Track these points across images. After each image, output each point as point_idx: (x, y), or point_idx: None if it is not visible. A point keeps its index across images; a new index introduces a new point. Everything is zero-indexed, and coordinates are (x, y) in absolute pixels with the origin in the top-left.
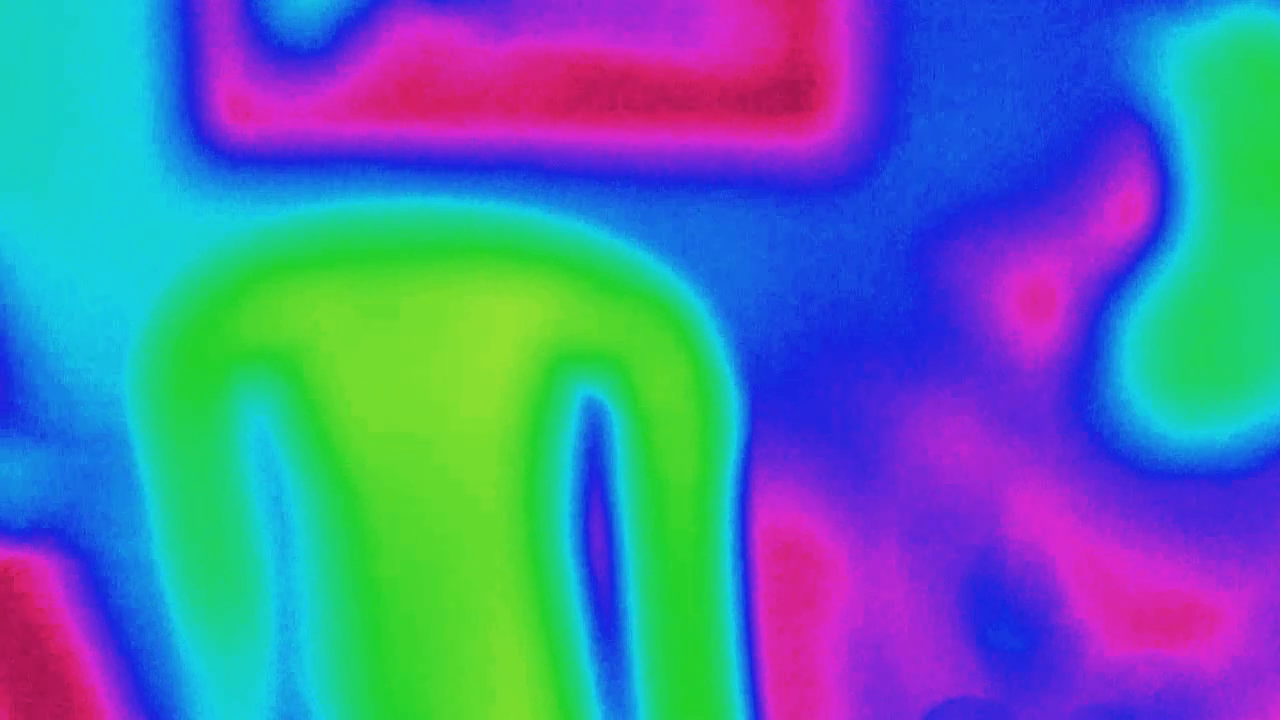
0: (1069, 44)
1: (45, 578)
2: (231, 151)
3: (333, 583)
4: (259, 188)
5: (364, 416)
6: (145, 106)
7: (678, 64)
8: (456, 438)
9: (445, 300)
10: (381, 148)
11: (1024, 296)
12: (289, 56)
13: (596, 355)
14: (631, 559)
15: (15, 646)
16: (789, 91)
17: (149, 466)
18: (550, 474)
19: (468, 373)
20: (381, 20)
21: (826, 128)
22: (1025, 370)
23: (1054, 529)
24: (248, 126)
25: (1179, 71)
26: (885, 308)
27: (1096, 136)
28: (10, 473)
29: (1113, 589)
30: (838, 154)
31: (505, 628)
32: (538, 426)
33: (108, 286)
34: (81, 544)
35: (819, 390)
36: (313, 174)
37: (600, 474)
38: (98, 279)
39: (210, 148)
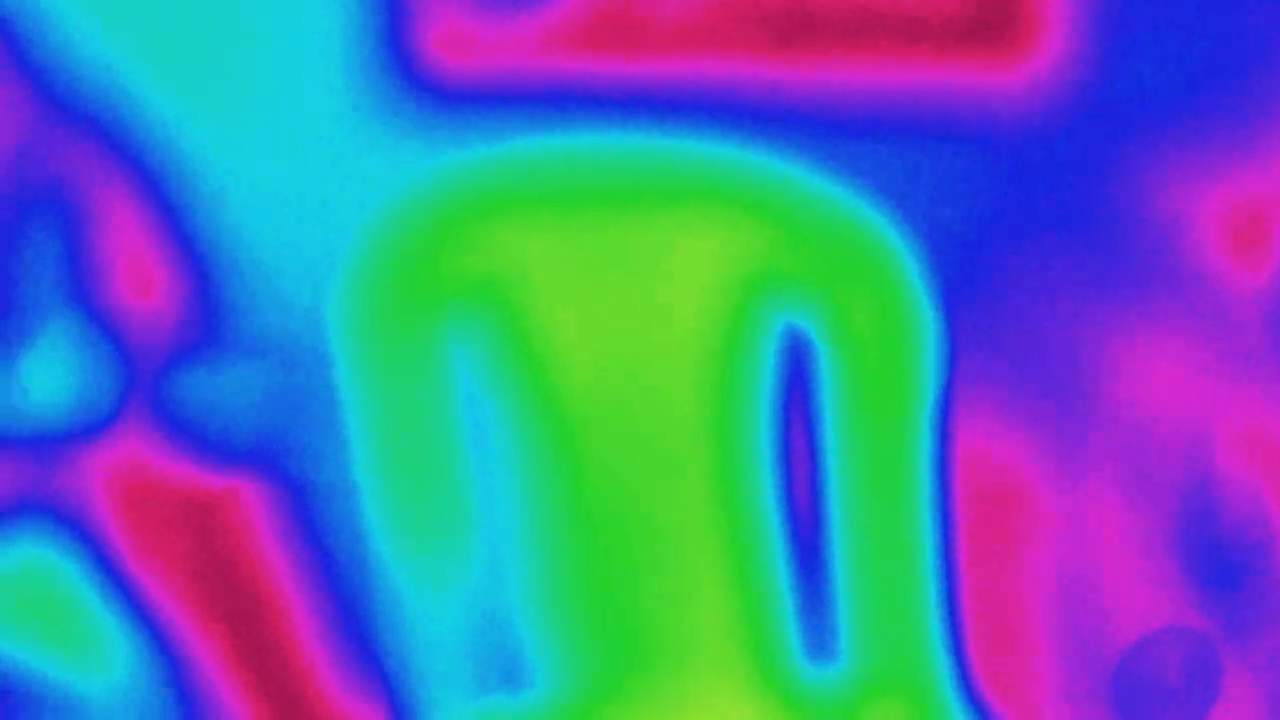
0: None
1: (251, 505)
2: (443, 88)
3: (539, 508)
4: (470, 124)
5: (570, 347)
6: (349, 39)
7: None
8: (660, 368)
9: (650, 234)
10: (587, 82)
11: (1233, 227)
12: None
13: (798, 288)
14: (832, 487)
15: (223, 576)
16: (992, 25)
17: (354, 392)
18: (751, 401)
19: (672, 304)
20: None
21: (1031, 63)
22: (1235, 301)
23: (1268, 461)
24: (460, 61)
25: None
26: (1089, 242)
27: None
28: (220, 396)
29: None
30: (1042, 89)
31: (707, 555)
32: (740, 356)
33: (317, 213)
34: (286, 471)
35: (1021, 325)
36: (522, 110)
37: (799, 405)
38: (307, 205)
39: (421, 84)
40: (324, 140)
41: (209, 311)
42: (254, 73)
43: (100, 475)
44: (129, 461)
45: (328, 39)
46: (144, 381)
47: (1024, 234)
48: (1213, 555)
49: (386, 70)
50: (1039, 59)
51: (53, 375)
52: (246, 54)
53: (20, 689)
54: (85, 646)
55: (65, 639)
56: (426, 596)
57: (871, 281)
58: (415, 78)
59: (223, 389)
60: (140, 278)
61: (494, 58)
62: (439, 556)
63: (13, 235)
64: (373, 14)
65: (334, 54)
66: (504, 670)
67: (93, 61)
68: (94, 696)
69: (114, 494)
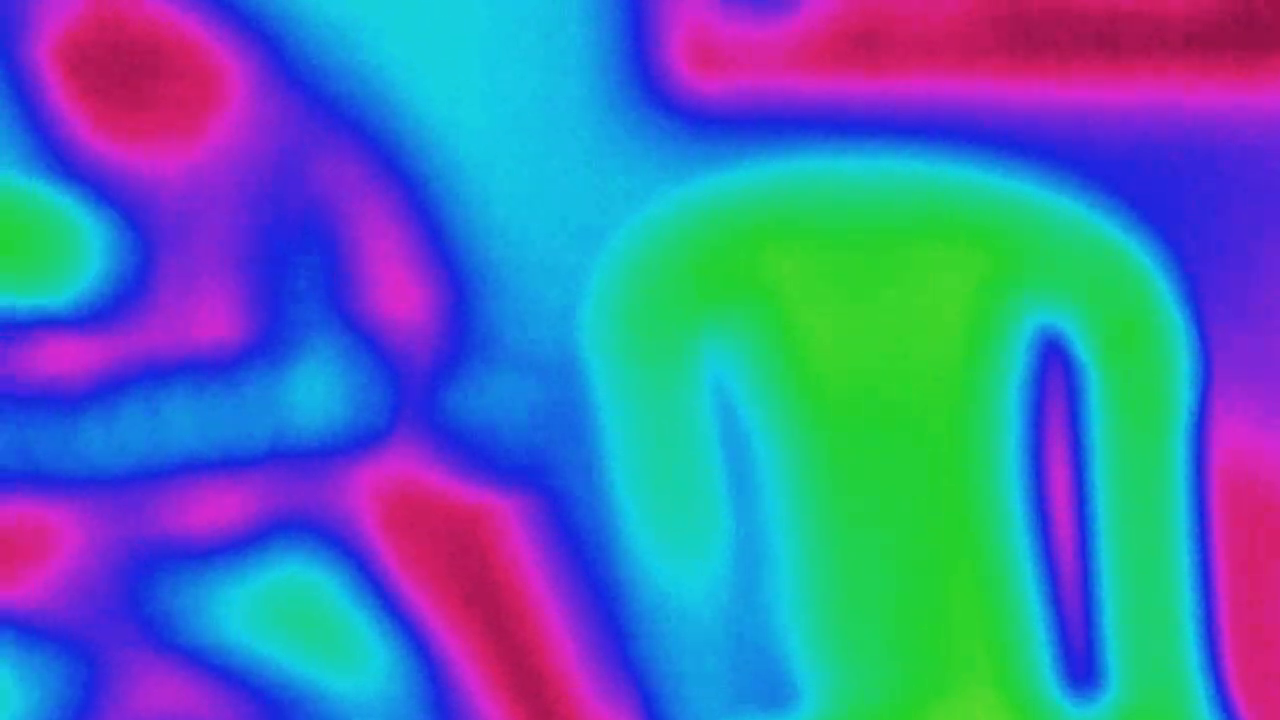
0: None
1: (513, 519)
2: (689, 105)
3: (797, 521)
4: (718, 140)
5: (824, 359)
6: (599, 57)
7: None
8: (916, 381)
9: (903, 247)
10: (835, 97)
11: None
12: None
13: (1052, 299)
14: (1090, 499)
15: (484, 587)
16: (1247, 32)
17: (610, 406)
18: (1006, 415)
19: (927, 316)
20: None
21: None
22: None
23: None
24: (707, 79)
25: None
26: None
27: None
28: (487, 411)
29: None
30: None
31: (965, 569)
32: (995, 367)
33: (570, 228)
34: (547, 485)
35: (1277, 333)
36: (769, 125)
37: (1055, 417)
38: (561, 220)
39: (668, 101)
40: (576, 156)
41: (467, 326)
42: (507, 91)
43: (369, 489)
44: (399, 476)
45: (579, 57)
46: (412, 396)
47: (1274, 238)
48: None
49: (634, 87)
50: None
51: (321, 390)
52: (501, 74)
53: (282, 696)
54: (346, 656)
55: (326, 649)
56: (685, 610)
57: (1126, 292)
58: (662, 94)
59: (489, 404)
60: (401, 291)
61: (740, 74)
62: (697, 569)
63: (279, 249)
64: (620, 32)
65: (585, 71)
66: (762, 686)
67: (357, 75)
68: (353, 703)
69: (382, 507)
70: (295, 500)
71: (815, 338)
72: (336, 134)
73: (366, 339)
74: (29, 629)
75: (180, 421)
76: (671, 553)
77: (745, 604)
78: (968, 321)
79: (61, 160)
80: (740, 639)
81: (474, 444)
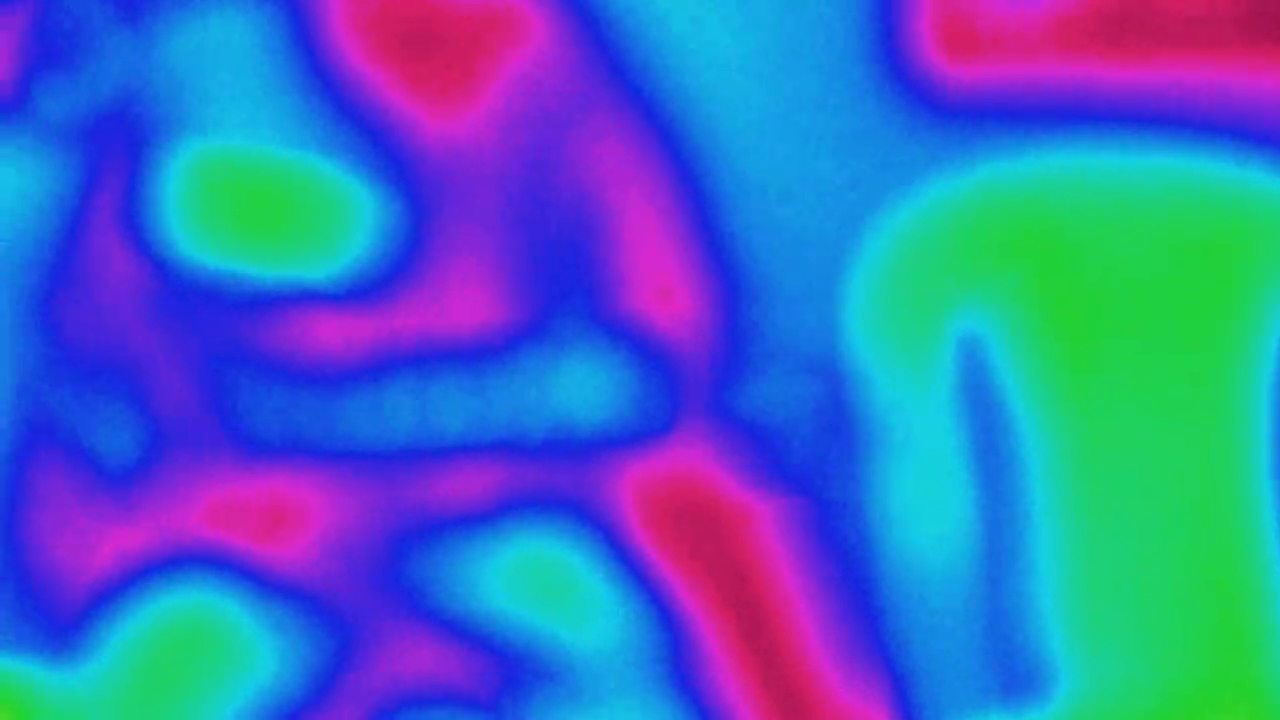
0: None
1: (766, 519)
2: (946, 95)
3: (1057, 514)
4: (976, 130)
5: (1085, 346)
6: (844, 40)
7: None
8: (1181, 373)
9: (1166, 237)
10: (1097, 84)
11: None
12: None
13: None
14: None
15: (740, 574)
16: None
17: (875, 405)
18: (1266, 402)
19: (1190, 307)
20: None
21: None
22: None
23: None
24: (964, 63)
25: None
26: None
27: None
28: (761, 411)
29: None
30: None
31: (1223, 549)
32: (1251, 355)
33: (827, 222)
34: (802, 485)
35: None
36: (1029, 114)
37: None
38: (818, 214)
39: (922, 90)
40: (834, 149)
41: (737, 324)
42: (762, 83)
43: (636, 480)
44: (670, 470)
45: (834, 47)
46: (690, 394)
47: None
48: None
49: (888, 75)
50: None
51: (591, 383)
52: (756, 67)
53: (527, 661)
54: (592, 624)
55: (574, 618)
56: (943, 605)
57: None
58: (916, 82)
59: (763, 404)
60: (673, 287)
61: (995, 59)
62: (953, 558)
63: (549, 232)
64: (872, 20)
65: (839, 61)
66: (1018, 681)
67: (644, 59)
68: (596, 666)
69: (647, 498)
70: (556, 482)
71: (1075, 324)
72: (618, 113)
73: (638, 335)
74: (286, 595)
75: (446, 404)
76: (932, 549)
77: (1005, 598)
78: (1233, 313)
79: (344, 113)
80: (995, 627)
81: (750, 444)
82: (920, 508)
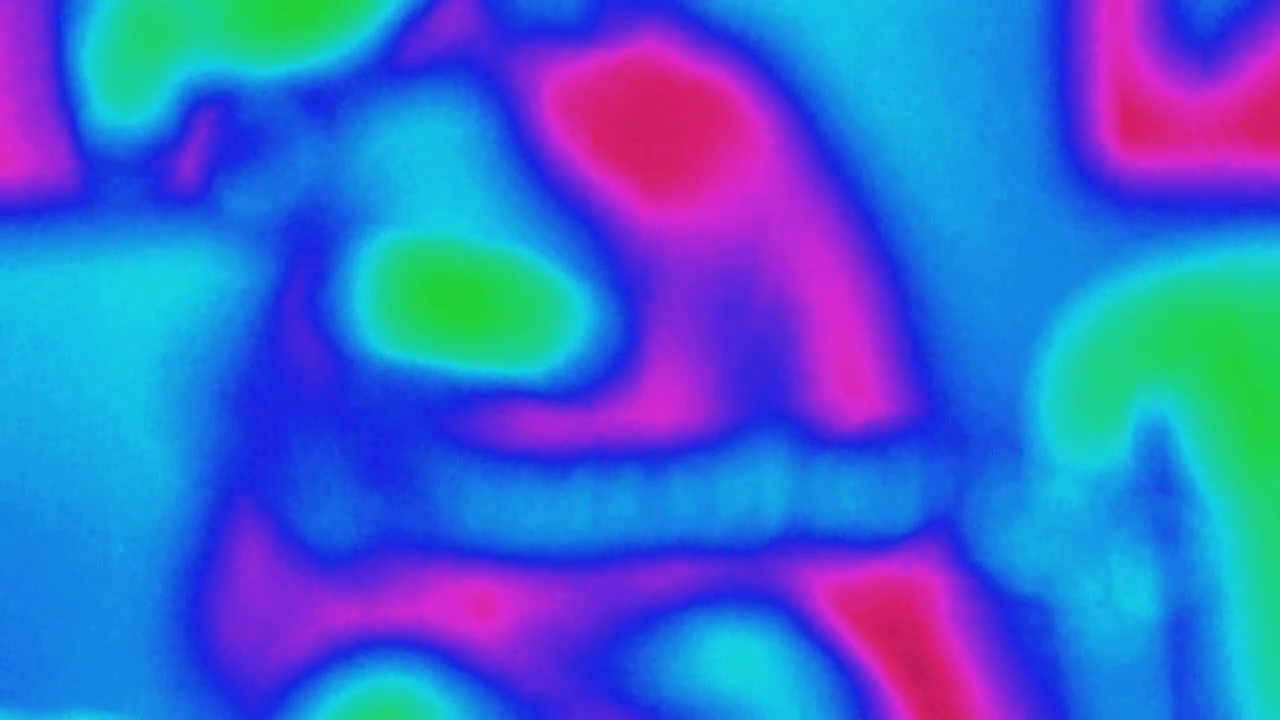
0: None
1: (930, 591)
2: (1122, 184)
3: (1245, 605)
4: (1153, 217)
5: (1261, 436)
6: (1023, 132)
7: None
8: None
9: None
10: (1266, 171)
11: None
12: (1190, 52)
13: None
14: None
15: (910, 671)
16: None
17: (1054, 491)
18: None
19: None
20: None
21: None
22: None
23: None
24: (1140, 154)
25: None
26: None
27: None
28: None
29: None
30: None
31: None
32: None
33: (1015, 310)
34: (966, 554)
35: None
36: (1210, 204)
37: None
38: (1000, 300)
39: (1100, 180)
40: (1016, 241)
41: (934, 417)
42: (943, 170)
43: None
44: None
45: (1013, 138)
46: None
47: None
48: None
49: (1067, 166)
50: None
51: (777, 485)
52: (938, 153)
53: None
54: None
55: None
56: (1131, 698)
57: None
58: (1094, 172)
59: (951, 494)
60: (856, 375)
61: (1174, 146)
62: (1143, 656)
63: (748, 333)
64: (1050, 109)
65: (1019, 153)
66: None
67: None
68: None
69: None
70: (750, 579)
71: (1260, 411)
72: (822, 209)
73: (830, 432)
74: (484, 681)
75: (648, 500)
76: (1116, 633)
77: (1191, 683)
78: None
79: (555, 205)
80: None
81: (940, 534)
82: (1103, 597)
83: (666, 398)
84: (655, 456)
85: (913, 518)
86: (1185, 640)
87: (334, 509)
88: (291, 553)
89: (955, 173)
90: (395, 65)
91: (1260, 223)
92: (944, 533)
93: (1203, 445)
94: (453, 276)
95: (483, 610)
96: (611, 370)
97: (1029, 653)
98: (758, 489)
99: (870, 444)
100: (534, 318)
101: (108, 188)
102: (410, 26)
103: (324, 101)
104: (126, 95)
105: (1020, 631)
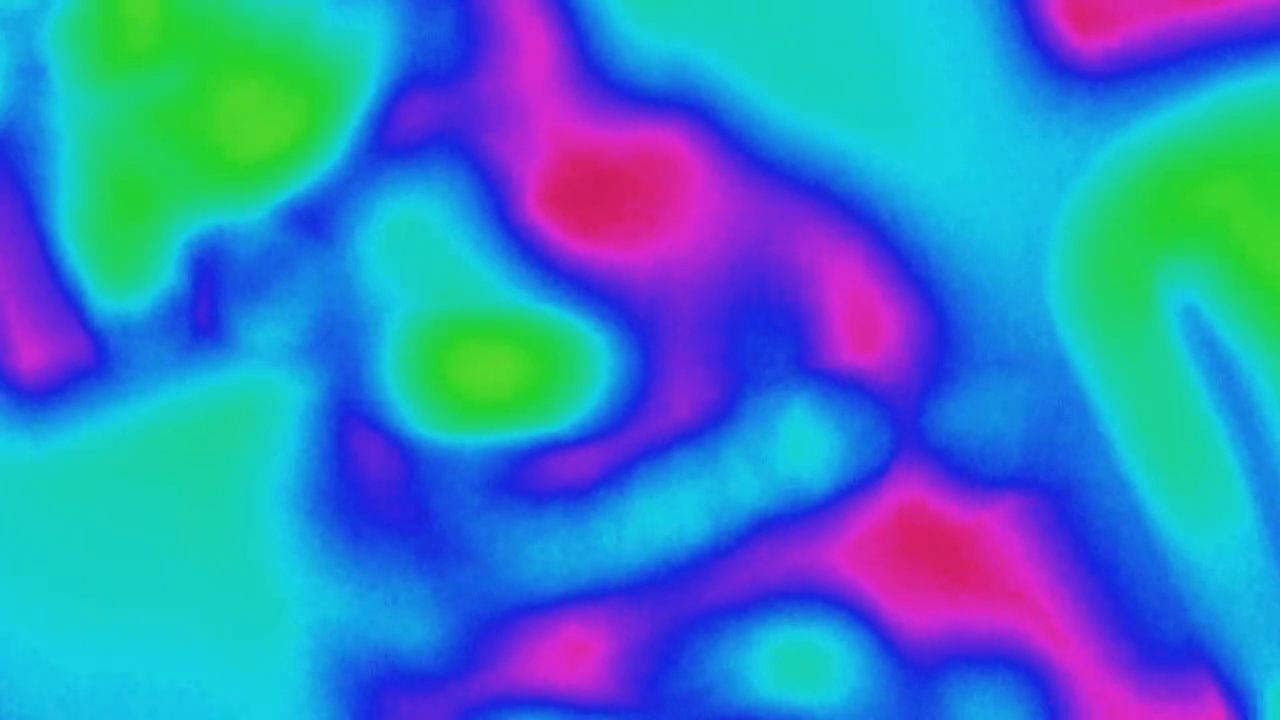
0: None
1: (1011, 526)
2: (1077, 68)
3: None
4: (1123, 97)
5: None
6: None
7: None
8: None
9: None
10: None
11: None
12: None
13: None
14: None
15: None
16: None
17: (1091, 382)
18: None
19: None
20: None
21: None
22: None
23: None
24: (1091, 36)
25: None
26: None
27: None
28: (977, 422)
29: None
30: None
31: None
32: None
33: (1007, 210)
34: (1047, 482)
35: None
36: (1170, 68)
37: None
38: (990, 208)
39: (1054, 64)
40: (994, 141)
41: (938, 340)
42: (909, 92)
43: (870, 529)
44: (900, 509)
45: (975, 39)
46: (905, 425)
47: None
48: None
49: (1024, 53)
50: None
51: (808, 444)
52: (898, 76)
53: None
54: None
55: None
56: (1215, 579)
57: None
58: (1051, 56)
59: (979, 412)
60: (873, 324)
61: (1123, 25)
62: (1221, 532)
63: (749, 318)
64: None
65: (981, 51)
66: None
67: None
68: None
69: (883, 543)
70: (799, 557)
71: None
72: (795, 197)
73: (845, 380)
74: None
75: (683, 505)
76: (1191, 520)
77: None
78: None
79: (553, 275)
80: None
81: (971, 458)
82: (1174, 485)
83: (689, 398)
84: (688, 456)
85: (978, 458)
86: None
87: (420, 612)
88: (385, 664)
89: (923, 94)
90: (376, 164)
91: (1236, 63)
92: (1003, 459)
93: (1236, 308)
94: (476, 349)
95: (578, 653)
96: (637, 396)
97: (1094, 557)
98: (792, 460)
99: (901, 383)
100: (559, 369)
101: (128, 355)
102: (383, 121)
103: (315, 217)
104: (125, 270)
105: (1081, 538)
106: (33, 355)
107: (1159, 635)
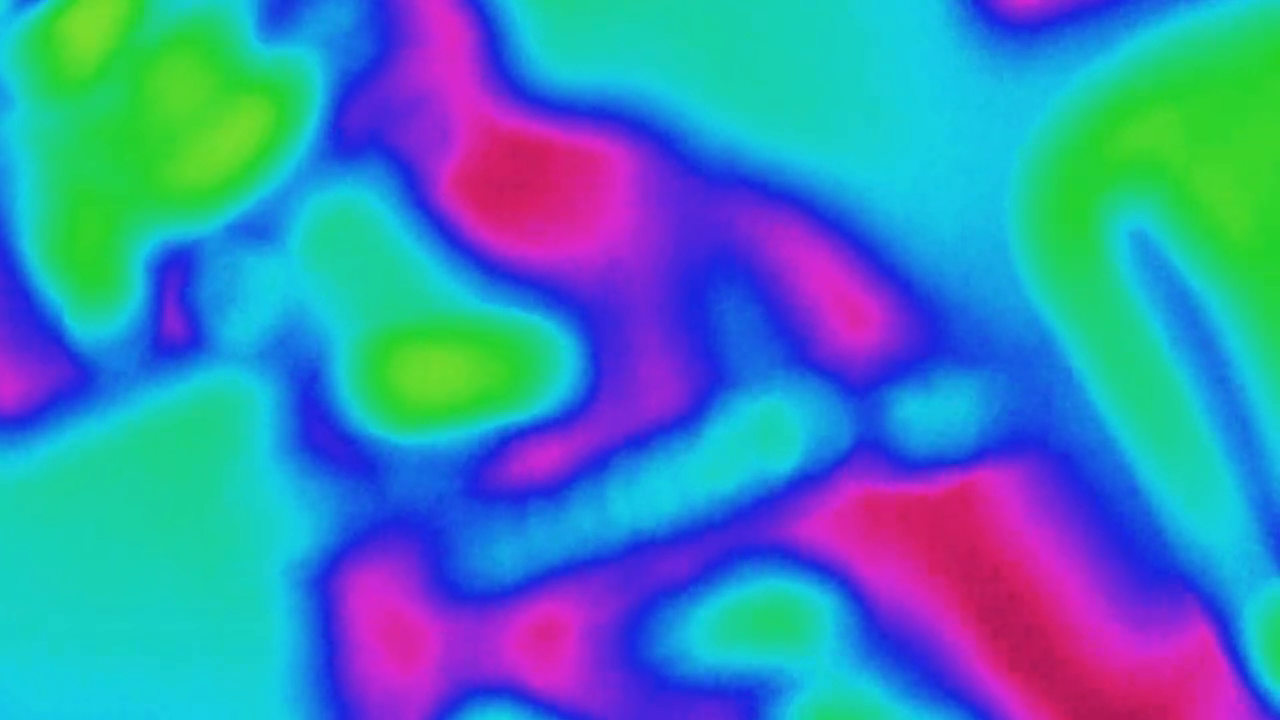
0: None
1: (1004, 490)
2: (1018, 20)
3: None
4: (1053, 50)
5: (1226, 210)
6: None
7: None
8: None
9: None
10: None
11: None
12: None
13: None
14: None
15: (981, 573)
16: None
17: (1073, 344)
18: None
19: None
20: None
21: None
22: None
23: None
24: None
25: None
26: None
27: None
28: (950, 408)
29: None
30: None
31: None
32: None
33: (958, 179)
34: (1045, 444)
35: None
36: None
37: None
38: (946, 175)
39: (997, 19)
40: (937, 106)
41: (918, 322)
42: (853, 70)
43: (838, 508)
44: (868, 488)
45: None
46: (870, 412)
47: None
48: None
49: (968, 22)
50: None
51: (779, 427)
52: (840, 58)
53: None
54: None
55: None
56: (1188, 507)
57: None
58: (991, 14)
59: (950, 401)
60: (847, 311)
61: None
62: (1186, 460)
63: (706, 301)
64: None
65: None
66: None
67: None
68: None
69: (854, 521)
70: (767, 535)
71: (1212, 188)
72: (733, 184)
73: (815, 363)
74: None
75: (654, 489)
76: (1174, 460)
77: (1247, 468)
78: None
79: (483, 274)
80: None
81: (940, 444)
82: (1149, 425)
83: (660, 388)
84: (663, 438)
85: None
86: (1240, 444)
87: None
88: None
89: (872, 71)
90: (321, 173)
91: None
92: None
93: (1182, 237)
94: (431, 346)
95: (548, 636)
96: (601, 383)
97: (1094, 510)
98: (762, 444)
99: (871, 363)
100: (517, 361)
101: (105, 366)
102: (327, 135)
103: (268, 224)
104: (95, 289)
105: (1079, 491)
106: (13, 384)
107: (1144, 568)
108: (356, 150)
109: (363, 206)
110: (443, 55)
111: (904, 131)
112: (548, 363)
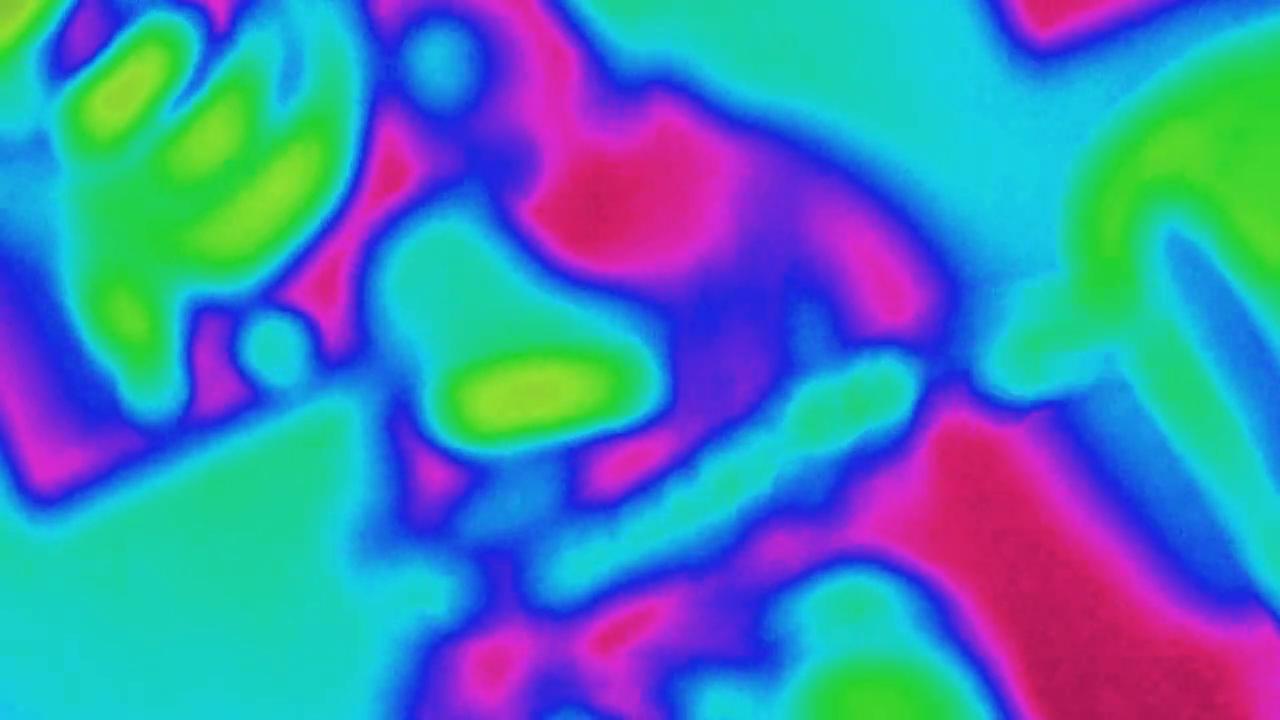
0: None
1: (1035, 441)
2: (1039, 54)
3: None
4: (1075, 84)
5: (1255, 227)
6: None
7: None
8: None
9: None
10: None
11: None
12: None
13: None
14: None
15: (1007, 524)
16: None
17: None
18: None
19: None
20: None
21: None
22: None
23: None
24: (1049, 25)
25: None
26: None
27: None
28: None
29: None
30: None
31: None
32: None
33: (996, 187)
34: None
35: None
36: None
37: None
38: (982, 185)
39: (1020, 49)
40: (981, 128)
41: (960, 313)
42: (887, 71)
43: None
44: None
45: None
46: (929, 391)
47: None
48: None
49: (990, 41)
50: None
51: (839, 412)
52: (888, 71)
53: None
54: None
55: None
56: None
57: None
58: (1016, 44)
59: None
60: (892, 298)
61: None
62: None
63: (783, 303)
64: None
65: (950, 36)
66: None
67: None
68: None
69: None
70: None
71: (1241, 204)
72: (817, 185)
73: (878, 344)
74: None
75: (744, 480)
76: (1196, 432)
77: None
78: None
79: (569, 295)
80: None
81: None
82: (1185, 412)
83: (739, 384)
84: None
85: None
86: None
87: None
88: None
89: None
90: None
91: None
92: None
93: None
94: (514, 365)
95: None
96: (681, 388)
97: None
98: (825, 427)
99: (927, 350)
100: (603, 375)
101: (158, 429)
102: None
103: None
104: (142, 358)
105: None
106: (73, 459)
107: (1179, 534)
108: (450, 181)
109: (454, 235)
110: (542, 87)
111: (945, 130)
112: (632, 374)
